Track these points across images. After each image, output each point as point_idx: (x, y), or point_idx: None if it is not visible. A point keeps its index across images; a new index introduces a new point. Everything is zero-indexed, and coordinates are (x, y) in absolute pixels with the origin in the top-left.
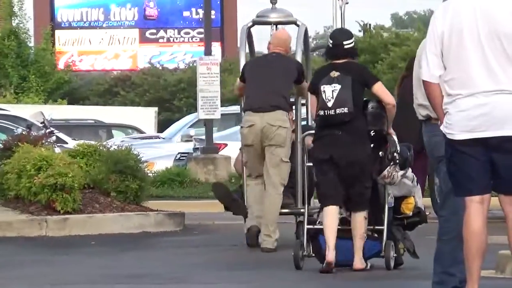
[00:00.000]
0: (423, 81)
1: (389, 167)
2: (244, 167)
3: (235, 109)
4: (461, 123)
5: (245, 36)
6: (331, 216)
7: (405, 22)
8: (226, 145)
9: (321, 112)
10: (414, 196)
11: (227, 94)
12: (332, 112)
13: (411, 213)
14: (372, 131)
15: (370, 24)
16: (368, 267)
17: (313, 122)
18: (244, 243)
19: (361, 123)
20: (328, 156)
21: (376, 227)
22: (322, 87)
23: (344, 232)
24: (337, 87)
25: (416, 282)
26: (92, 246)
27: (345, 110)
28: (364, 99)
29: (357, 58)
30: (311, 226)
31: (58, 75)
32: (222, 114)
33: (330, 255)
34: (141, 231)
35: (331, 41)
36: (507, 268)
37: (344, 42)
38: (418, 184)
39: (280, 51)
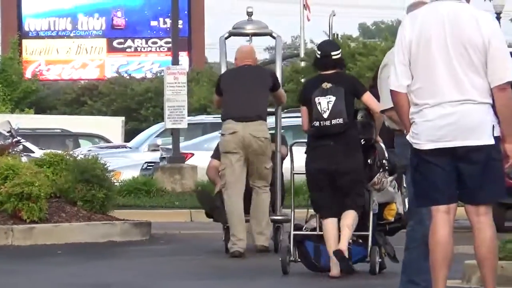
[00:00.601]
0: (391, 90)
1: (378, 174)
2: (220, 176)
3: (202, 118)
4: (427, 133)
5: (224, 47)
6: (331, 228)
7: (373, 32)
8: (192, 154)
9: (317, 123)
10: (395, 203)
11: (194, 104)
12: (328, 123)
13: (393, 219)
14: (362, 140)
15: (337, 34)
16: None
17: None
18: (209, 252)
19: (354, 132)
20: (322, 167)
21: (361, 233)
22: (316, 98)
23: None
24: (332, 98)
25: None
26: (58, 255)
27: (341, 120)
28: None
29: (344, 69)
30: (297, 232)
31: (25, 85)
32: (189, 124)
33: (336, 270)
34: (108, 240)
35: (319, 52)
36: (473, 278)
37: (332, 53)
38: (399, 191)
39: (250, 63)
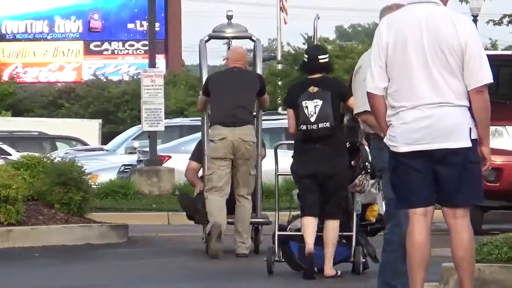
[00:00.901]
0: (368, 93)
1: (360, 175)
2: (206, 180)
3: (179, 121)
4: (404, 136)
5: (205, 50)
6: (311, 228)
7: (350, 34)
8: (170, 157)
9: (304, 127)
10: (377, 204)
11: (171, 106)
12: (315, 126)
13: (374, 220)
14: (348, 143)
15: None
16: (339, 273)
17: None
18: (187, 255)
19: (340, 136)
20: (309, 171)
21: (345, 234)
22: (303, 102)
23: (316, 238)
24: (319, 102)
25: None
26: (35, 258)
27: (327, 124)
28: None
29: (331, 73)
30: (282, 233)
31: (2, 87)
32: (166, 126)
33: (309, 246)
34: (85, 243)
35: (306, 56)
36: (451, 281)
37: (319, 57)
38: (380, 192)
39: (241, 66)
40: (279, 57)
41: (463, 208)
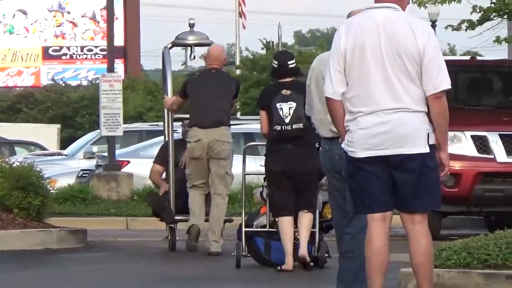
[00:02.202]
0: (326, 98)
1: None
2: (187, 178)
3: (138, 126)
4: (362, 141)
5: (169, 56)
6: (287, 225)
7: (308, 40)
8: (128, 162)
9: (278, 127)
10: None
11: (130, 111)
12: (289, 127)
13: (330, 217)
14: (317, 144)
15: (273, 42)
16: (310, 262)
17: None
18: (145, 259)
19: (311, 137)
20: (282, 168)
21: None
22: (278, 104)
23: (278, 234)
24: (293, 104)
25: None
26: None
27: (301, 125)
28: None
29: (300, 77)
30: (248, 229)
31: None
32: (124, 131)
33: (290, 262)
34: (44, 248)
35: (276, 62)
36: (409, 286)
37: (289, 62)
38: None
39: (218, 66)
40: (237, 62)
41: (421, 213)
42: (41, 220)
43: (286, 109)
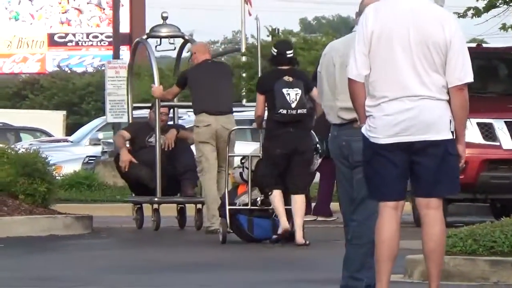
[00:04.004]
0: (349, 79)
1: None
2: (196, 162)
3: (143, 112)
4: (386, 128)
5: (150, 46)
6: (279, 204)
7: (314, 27)
8: None
9: (283, 111)
10: None
11: (135, 98)
12: (294, 112)
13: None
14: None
15: (278, 29)
16: (307, 242)
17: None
18: (151, 246)
19: (308, 122)
20: (285, 151)
21: (288, 207)
22: (284, 90)
23: (263, 212)
24: (299, 91)
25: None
26: (0, 248)
27: (304, 111)
28: None
29: (297, 66)
30: (232, 207)
31: None
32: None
33: (285, 223)
34: (49, 234)
35: (275, 50)
36: (415, 273)
37: (287, 52)
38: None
39: (209, 58)
40: (243, 49)
41: (438, 198)
42: (47, 207)
43: (293, 94)
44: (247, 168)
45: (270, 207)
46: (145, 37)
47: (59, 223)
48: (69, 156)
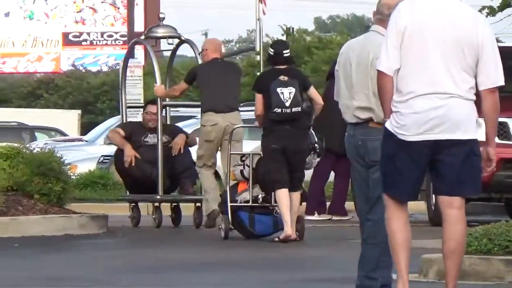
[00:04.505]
0: (379, 71)
1: (309, 155)
2: (197, 158)
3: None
4: (415, 125)
5: (151, 48)
6: (285, 197)
7: (328, 26)
8: None
9: (278, 110)
10: None
11: (150, 97)
12: (289, 110)
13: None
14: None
15: (293, 28)
16: (298, 239)
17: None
18: (166, 246)
19: (305, 120)
20: (280, 146)
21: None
22: (279, 89)
23: (264, 208)
24: (293, 89)
25: (339, 285)
26: (15, 248)
27: (299, 109)
28: None
29: (294, 65)
30: (234, 204)
31: None
32: None
33: (289, 230)
34: (64, 234)
35: (272, 50)
36: (430, 272)
37: (284, 52)
38: None
39: (219, 56)
40: (258, 49)
41: (461, 198)
42: (62, 206)
43: (287, 93)
44: (248, 166)
45: (271, 205)
46: (143, 37)
47: (74, 222)
48: (84, 155)
